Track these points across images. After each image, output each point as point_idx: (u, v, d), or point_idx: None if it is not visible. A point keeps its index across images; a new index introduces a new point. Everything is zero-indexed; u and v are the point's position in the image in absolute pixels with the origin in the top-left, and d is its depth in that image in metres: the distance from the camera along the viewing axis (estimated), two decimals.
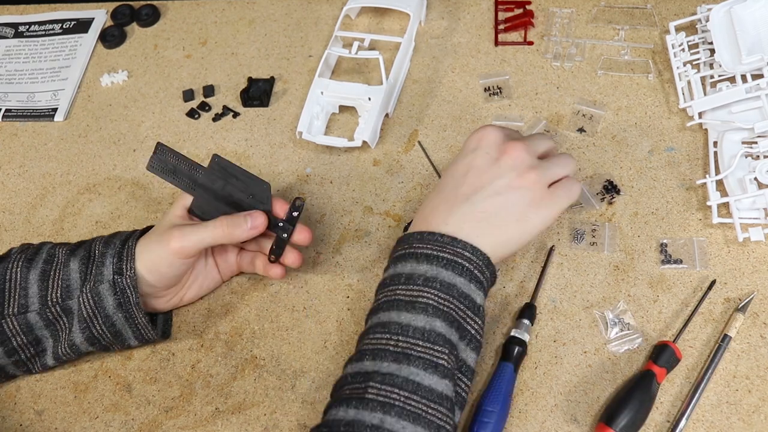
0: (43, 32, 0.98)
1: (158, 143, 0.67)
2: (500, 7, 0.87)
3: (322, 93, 0.80)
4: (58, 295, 0.62)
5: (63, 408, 0.66)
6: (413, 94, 0.83)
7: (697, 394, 0.59)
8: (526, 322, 0.64)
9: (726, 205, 0.68)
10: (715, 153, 0.71)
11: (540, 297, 0.67)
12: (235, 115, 0.85)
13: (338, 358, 0.66)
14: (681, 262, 0.67)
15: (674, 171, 0.72)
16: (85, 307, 0.61)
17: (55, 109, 0.89)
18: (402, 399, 0.50)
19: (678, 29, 0.80)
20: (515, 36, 0.85)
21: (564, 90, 0.80)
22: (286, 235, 0.65)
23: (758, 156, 0.68)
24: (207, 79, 0.88)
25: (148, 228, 0.67)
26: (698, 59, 0.77)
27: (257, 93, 0.85)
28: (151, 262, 0.62)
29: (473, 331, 0.55)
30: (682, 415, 0.59)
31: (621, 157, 0.74)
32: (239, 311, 0.70)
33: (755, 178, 0.67)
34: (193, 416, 0.65)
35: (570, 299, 0.66)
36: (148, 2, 0.97)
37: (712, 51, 0.75)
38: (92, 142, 0.85)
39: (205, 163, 0.67)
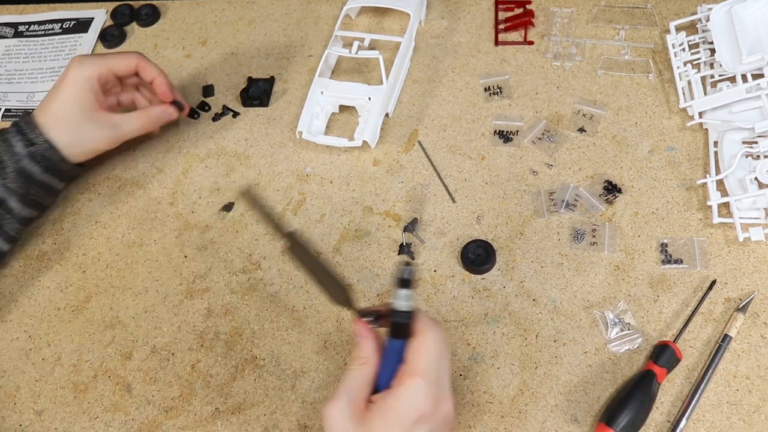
0: (43, 32, 0.97)
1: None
2: (500, 6, 0.87)
3: (322, 93, 0.79)
4: None
5: (63, 408, 0.66)
6: (413, 93, 0.83)
7: (697, 394, 0.59)
8: (403, 291, 0.52)
9: (726, 205, 0.68)
10: (716, 153, 0.71)
11: (540, 297, 0.67)
12: (235, 114, 0.85)
13: (338, 358, 0.66)
14: (681, 262, 0.67)
15: (674, 171, 0.72)
16: (16, 187, 0.68)
17: None
18: None
19: (678, 29, 0.80)
20: (515, 36, 0.85)
21: (564, 90, 0.80)
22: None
23: (758, 156, 0.68)
24: (207, 78, 0.88)
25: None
26: (698, 59, 0.77)
27: (257, 93, 0.85)
28: (54, 112, 0.70)
29: None
30: (683, 415, 0.59)
31: (621, 157, 0.74)
32: (239, 311, 0.70)
33: (755, 178, 0.67)
34: (193, 416, 0.65)
35: (570, 299, 0.66)
36: (148, 2, 0.97)
37: (713, 51, 0.75)
38: None
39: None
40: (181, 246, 0.75)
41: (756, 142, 0.69)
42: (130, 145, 0.84)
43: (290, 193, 0.77)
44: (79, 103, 0.70)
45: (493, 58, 0.84)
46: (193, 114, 0.85)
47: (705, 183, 0.70)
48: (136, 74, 0.77)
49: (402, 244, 0.72)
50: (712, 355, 0.61)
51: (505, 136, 0.77)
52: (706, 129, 0.74)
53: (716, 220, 0.67)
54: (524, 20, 0.85)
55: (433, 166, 0.77)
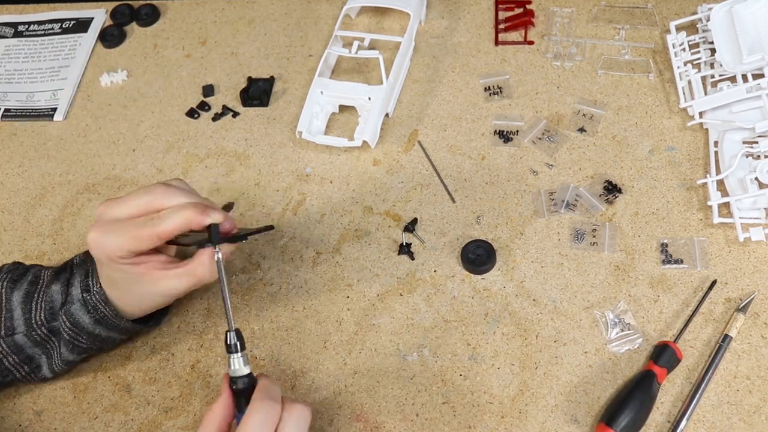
0: (43, 32, 0.97)
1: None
2: (500, 6, 0.87)
3: (322, 92, 0.79)
4: (42, 317, 0.61)
5: (62, 408, 0.66)
6: (413, 93, 0.83)
7: (697, 395, 0.59)
8: (237, 356, 0.52)
9: (727, 205, 0.68)
10: (716, 153, 0.71)
11: (540, 297, 0.67)
12: (235, 114, 0.85)
13: (338, 358, 0.66)
14: (682, 262, 0.67)
15: (675, 171, 0.72)
16: (65, 329, 0.61)
17: (54, 109, 0.89)
18: None
19: (678, 29, 0.80)
20: (515, 35, 0.85)
21: (564, 90, 0.80)
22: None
23: (759, 156, 0.68)
24: (207, 78, 0.88)
25: None
26: (699, 59, 0.77)
27: (257, 92, 0.85)
28: (102, 275, 0.60)
29: None
30: (683, 415, 0.59)
31: (621, 157, 0.74)
32: (239, 311, 0.70)
33: (756, 178, 0.67)
34: (193, 416, 0.64)
35: (570, 299, 0.66)
36: (148, 2, 0.97)
37: (713, 50, 0.75)
38: (91, 141, 0.85)
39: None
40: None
41: (756, 142, 0.69)
42: (129, 145, 0.84)
43: (290, 193, 0.77)
44: (117, 276, 0.59)
45: (493, 57, 0.84)
46: (193, 114, 0.85)
47: (705, 183, 0.69)
48: None
49: (402, 244, 0.71)
50: (712, 356, 0.61)
51: (505, 136, 0.77)
52: (707, 129, 0.74)
53: (716, 220, 0.67)
54: (524, 20, 0.85)
55: (433, 166, 0.77)
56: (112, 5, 0.97)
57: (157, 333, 0.69)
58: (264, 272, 0.72)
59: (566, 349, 0.64)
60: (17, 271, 0.65)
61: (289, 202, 0.76)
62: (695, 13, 0.79)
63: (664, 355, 0.60)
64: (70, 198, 0.81)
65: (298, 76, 0.87)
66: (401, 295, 0.69)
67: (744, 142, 0.70)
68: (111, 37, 0.94)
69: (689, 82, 0.75)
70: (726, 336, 0.61)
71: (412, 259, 0.71)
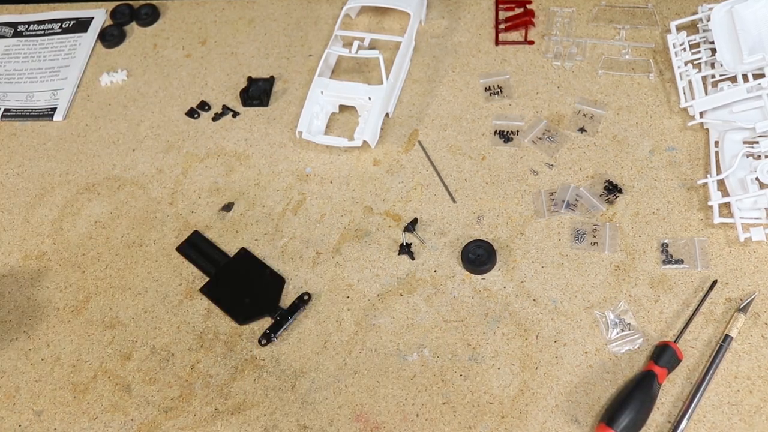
0: (43, 32, 0.97)
1: (195, 231, 0.71)
2: (501, 6, 0.87)
3: (322, 92, 0.79)
4: None
5: (62, 408, 0.66)
6: (413, 93, 0.83)
7: (698, 395, 0.59)
8: None
9: (727, 205, 0.68)
10: (717, 153, 0.71)
11: (541, 297, 0.67)
12: (235, 114, 0.85)
13: (338, 358, 0.66)
14: (682, 262, 0.67)
15: (675, 171, 0.72)
16: None
17: (54, 109, 0.88)
18: None
19: (679, 28, 0.80)
20: (516, 35, 0.85)
21: (565, 89, 0.80)
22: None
23: (759, 156, 0.68)
24: (206, 78, 0.88)
25: None
26: (699, 59, 0.77)
27: (257, 92, 0.85)
28: None
29: None
30: (684, 415, 0.59)
31: (622, 157, 0.74)
32: None
33: (756, 178, 0.67)
34: (193, 417, 0.64)
35: (570, 299, 0.66)
36: (148, 2, 0.97)
37: (713, 50, 0.75)
38: (91, 141, 0.85)
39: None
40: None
41: (757, 142, 0.69)
42: (129, 144, 0.84)
43: (290, 193, 0.77)
44: None
45: (493, 57, 0.84)
46: (193, 114, 0.85)
47: (706, 183, 0.69)
48: None
49: (402, 244, 0.71)
50: (712, 356, 0.61)
51: (505, 136, 0.77)
52: (707, 129, 0.74)
53: (717, 220, 0.67)
54: (525, 20, 0.85)
55: (434, 166, 0.77)
56: (111, 5, 0.97)
57: (157, 333, 0.69)
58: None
59: (566, 349, 0.64)
60: None
61: (289, 202, 0.76)
62: (696, 13, 0.79)
63: (664, 355, 0.60)
64: (69, 198, 0.81)
65: (298, 76, 0.86)
66: (401, 295, 0.69)
67: (744, 142, 0.70)
68: (111, 36, 0.94)
69: (690, 82, 0.75)
70: (726, 336, 0.61)
71: (412, 259, 0.71)
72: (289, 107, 0.84)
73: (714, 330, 0.63)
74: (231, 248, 0.74)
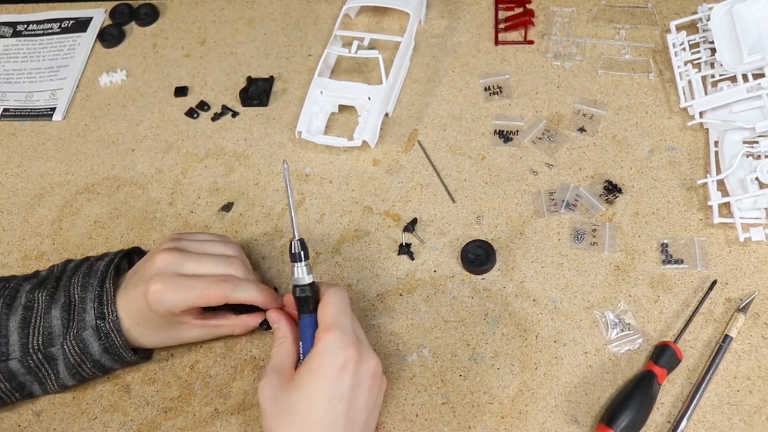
0: (42, 31, 0.97)
1: None
2: (500, 6, 0.87)
3: (321, 92, 0.79)
4: (40, 342, 0.60)
5: (61, 409, 0.66)
6: (413, 93, 0.83)
7: (698, 395, 0.59)
8: (298, 265, 0.57)
9: (727, 205, 0.68)
10: (716, 153, 0.71)
11: (540, 297, 0.67)
12: (234, 114, 0.85)
13: None
14: (682, 262, 0.67)
15: (675, 171, 0.72)
16: (71, 353, 0.60)
17: (53, 109, 0.88)
18: None
19: (679, 28, 0.80)
20: (515, 35, 0.85)
21: (564, 89, 0.80)
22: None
23: (759, 156, 0.68)
24: (206, 78, 0.88)
25: (123, 256, 0.66)
26: (699, 58, 0.77)
27: (256, 92, 0.85)
28: (131, 309, 0.60)
29: None
30: (683, 415, 0.59)
31: (622, 157, 0.74)
32: None
33: (756, 178, 0.67)
34: (192, 417, 0.64)
35: (570, 299, 0.66)
36: (147, 1, 0.97)
37: (713, 50, 0.75)
38: (91, 141, 0.85)
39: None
40: None
41: (757, 142, 0.69)
42: (129, 144, 0.84)
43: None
44: (163, 323, 0.61)
45: (493, 57, 0.84)
46: (192, 113, 0.85)
47: (705, 183, 0.69)
48: None
49: (402, 244, 0.71)
50: (712, 356, 0.61)
51: (505, 136, 0.77)
52: (707, 129, 0.74)
53: (717, 220, 0.67)
54: (524, 20, 0.85)
55: (433, 166, 0.77)
56: (111, 5, 0.97)
57: None
58: (264, 272, 0.72)
59: (566, 349, 0.64)
60: (6, 293, 0.63)
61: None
62: (695, 12, 0.79)
63: (664, 355, 0.60)
64: (69, 198, 0.80)
65: (298, 76, 0.86)
66: (401, 295, 0.69)
67: (744, 142, 0.70)
68: (110, 36, 0.94)
69: (689, 81, 0.75)
70: (726, 336, 0.61)
71: (412, 259, 0.71)
72: (289, 107, 0.84)
73: (714, 330, 0.63)
74: None
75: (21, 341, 0.60)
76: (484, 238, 0.70)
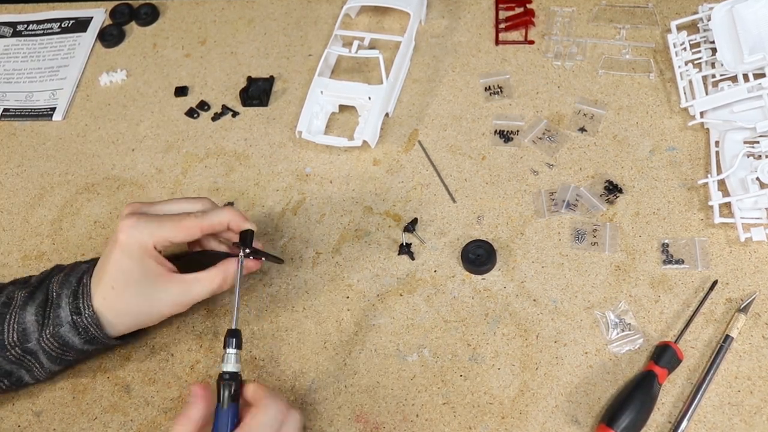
0: (42, 31, 0.97)
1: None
2: (501, 6, 0.87)
3: (321, 92, 0.79)
4: (15, 338, 0.60)
5: (61, 409, 0.66)
6: (413, 93, 0.82)
7: (698, 395, 0.59)
8: (232, 351, 0.56)
9: (728, 205, 0.68)
10: (717, 153, 0.71)
11: (541, 297, 0.67)
12: (235, 114, 0.85)
13: (338, 358, 0.66)
14: (682, 262, 0.66)
15: (676, 171, 0.72)
16: (50, 348, 0.60)
17: (53, 109, 0.88)
18: None
19: (679, 28, 0.79)
20: (516, 35, 0.85)
21: (565, 89, 0.80)
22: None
23: (760, 156, 0.68)
24: (206, 78, 0.88)
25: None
26: (700, 58, 0.77)
27: (256, 92, 0.85)
28: (104, 270, 0.59)
29: None
30: (684, 416, 0.59)
31: (622, 157, 0.74)
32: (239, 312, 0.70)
33: (757, 178, 0.67)
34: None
35: (571, 299, 0.66)
36: (147, 1, 0.97)
37: (714, 50, 0.75)
38: (91, 141, 0.85)
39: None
40: (180, 246, 0.74)
41: (757, 142, 0.69)
42: (129, 144, 0.84)
43: (290, 193, 0.77)
44: (138, 274, 0.59)
45: (493, 57, 0.84)
46: (193, 113, 0.85)
47: (706, 183, 0.69)
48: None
49: (402, 244, 0.71)
50: (713, 356, 0.61)
51: (505, 136, 0.77)
52: (708, 129, 0.74)
53: (717, 220, 0.67)
54: (525, 19, 0.85)
55: (434, 166, 0.76)
56: (111, 5, 0.97)
57: (157, 333, 0.69)
58: (263, 272, 0.72)
59: (567, 349, 0.64)
60: None
61: (288, 202, 0.76)
62: (696, 12, 0.79)
63: (665, 355, 0.60)
64: (69, 198, 0.80)
65: (298, 76, 0.86)
66: (401, 295, 0.69)
67: (745, 142, 0.70)
68: (110, 36, 0.94)
69: (690, 81, 0.75)
70: (727, 336, 0.61)
71: (412, 259, 0.71)
72: (289, 107, 0.84)
73: (714, 330, 0.63)
74: None
75: None
76: (484, 238, 0.70)
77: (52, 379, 0.67)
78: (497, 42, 0.85)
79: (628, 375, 0.62)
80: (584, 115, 0.77)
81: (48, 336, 0.60)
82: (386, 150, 0.78)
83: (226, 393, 0.54)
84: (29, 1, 1.00)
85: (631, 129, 0.76)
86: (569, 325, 0.65)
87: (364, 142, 0.76)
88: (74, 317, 0.60)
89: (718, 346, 0.61)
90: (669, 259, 0.67)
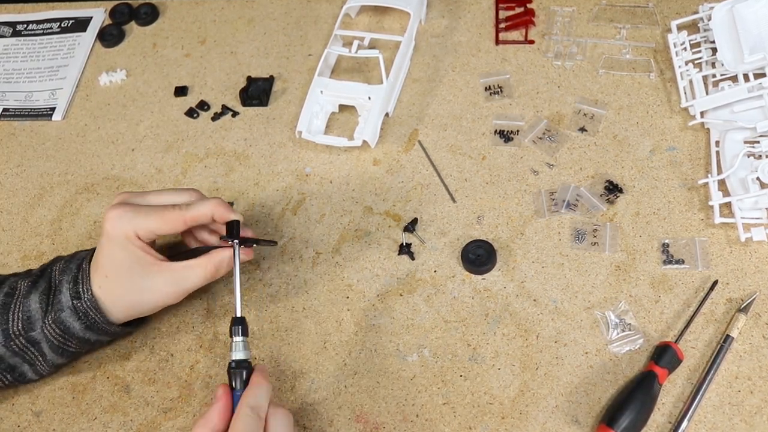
0: (41, 31, 0.97)
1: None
2: (501, 5, 0.87)
3: (321, 92, 0.79)
4: (20, 327, 0.60)
5: (61, 409, 0.66)
6: (413, 93, 0.82)
7: (699, 395, 0.59)
8: (239, 339, 0.57)
9: (728, 205, 0.68)
10: (717, 152, 0.71)
11: (541, 297, 0.67)
12: (234, 114, 0.84)
13: (338, 358, 0.66)
14: (683, 262, 0.66)
15: (676, 171, 0.72)
16: (53, 336, 0.61)
17: (53, 109, 0.88)
18: None
19: (680, 28, 0.79)
20: (516, 35, 0.85)
21: (565, 89, 0.80)
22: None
23: (760, 156, 0.68)
24: (206, 78, 0.88)
25: None
26: (700, 58, 0.77)
27: (256, 92, 0.85)
28: (98, 261, 0.60)
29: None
30: (684, 416, 0.58)
31: (622, 157, 0.74)
32: None
33: (757, 178, 0.66)
34: (192, 417, 0.64)
35: (571, 300, 0.66)
36: (147, 1, 0.97)
37: (714, 50, 0.75)
38: (90, 141, 0.85)
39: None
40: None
41: (758, 142, 0.69)
42: (128, 144, 0.84)
43: (290, 193, 0.77)
44: (128, 263, 0.60)
45: (493, 57, 0.84)
46: (192, 113, 0.85)
47: (706, 183, 0.69)
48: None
49: (402, 244, 0.71)
50: (713, 356, 0.61)
51: (505, 136, 0.77)
52: (708, 128, 0.74)
53: (718, 220, 0.67)
54: (525, 19, 0.85)
55: (434, 165, 0.76)
56: (111, 4, 0.97)
57: (156, 333, 0.69)
58: (263, 272, 0.72)
59: (567, 349, 0.64)
60: None
61: (288, 202, 0.76)
62: (696, 12, 0.79)
63: (665, 355, 0.60)
64: (68, 198, 0.80)
65: (298, 76, 0.86)
66: (401, 295, 0.69)
67: (745, 142, 0.70)
68: (110, 36, 0.94)
69: (690, 81, 0.75)
70: (727, 336, 0.61)
71: (412, 259, 0.70)
72: (289, 107, 0.84)
73: (715, 330, 0.63)
74: None
75: (2, 326, 0.61)
76: (484, 238, 0.70)
77: (52, 378, 0.67)
78: (497, 42, 0.85)
79: (628, 375, 0.62)
80: (584, 114, 0.77)
81: (50, 322, 0.60)
82: (386, 150, 0.78)
83: (238, 381, 0.55)
84: (29, 1, 1.00)
85: (632, 129, 0.76)
86: (569, 325, 0.65)
87: (364, 142, 0.76)
88: (74, 302, 0.60)
89: (719, 346, 0.61)
90: (669, 259, 0.67)
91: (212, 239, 0.66)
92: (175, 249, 0.66)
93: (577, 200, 0.71)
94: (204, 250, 0.63)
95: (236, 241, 0.61)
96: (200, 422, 0.53)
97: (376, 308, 0.68)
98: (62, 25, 0.97)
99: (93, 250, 0.63)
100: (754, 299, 0.63)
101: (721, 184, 0.69)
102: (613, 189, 0.72)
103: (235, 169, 0.80)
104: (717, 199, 0.67)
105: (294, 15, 0.92)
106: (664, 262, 0.67)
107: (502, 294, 0.67)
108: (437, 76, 0.83)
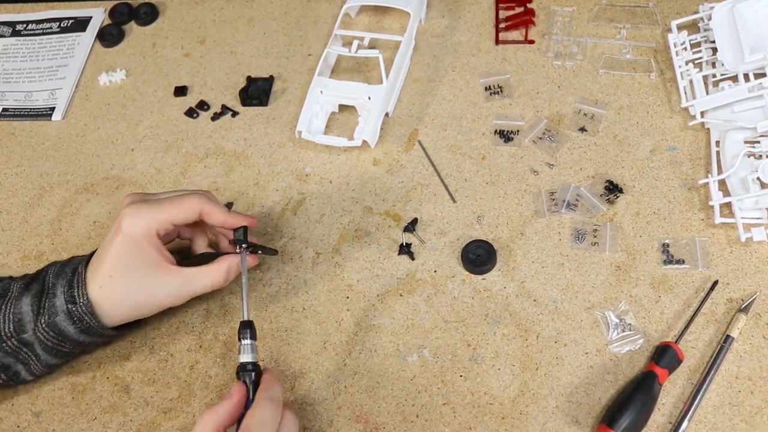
0: (41, 31, 0.97)
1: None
2: (501, 5, 0.87)
3: (321, 92, 0.79)
4: (11, 329, 0.60)
5: (61, 409, 0.66)
6: (413, 93, 0.82)
7: (699, 396, 0.59)
8: (247, 342, 0.57)
9: (728, 205, 0.68)
10: (718, 152, 0.71)
11: (541, 297, 0.66)
12: (234, 114, 0.84)
13: (338, 358, 0.66)
14: (683, 262, 0.66)
15: (676, 171, 0.72)
16: (46, 339, 0.60)
17: (52, 109, 0.88)
18: None
19: (680, 28, 0.79)
20: (516, 35, 0.85)
21: (565, 89, 0.79)
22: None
23: (761, 156, 0.68)
24: (206, 78, 0.88)
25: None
26: (700, 58, 0.77)
27: (256, 92, 0.84)
28: (103, 258, 0.60)
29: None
30: (684, 416, 0.58)
31: (622, 157, 0.74)
32: (238, 312, 0.70)
33: (758, 178, 0.66)
34: (192, 417, 0.64)
35: (571, 300, 0.66)
36: (147, 1, 0.97)
37: (715, 50, 0.75)
38: (90, 141, 0.85)
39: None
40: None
41: (758, 142, 0.69)
42: (128, 144, 0.84)
43: (290, 193, 0.77)
44: (138, 263, 0.59)
45: (493, 57, 0.84)
46: (192, 113, 0.85)
47: (707, 183, 0.69)
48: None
49: (402, 244, 0.71)
50: (714, 356, 0.61)
51: (505, 136, 0.77)
52: (708, 128, 0.74)
53: (718, 220, 0.67)
54: (525, 19, 0.85)
55: (434, 165, 0.76)
56: (110, 4, 0.97)
57: (156, 334, 0.69)
58: (263, 272, 0.72)
59: (567, 349, 0.64)
60: None
61: (288, 202, 0.76)
62: (697, 12, 0.79)
63: (665, 355, 0.60)
64: (68, 198, 0.80)
65: (298, 76, 0.86)
66: (401, 295, 0.68)
67: (746, 142, 0.70)
68: (110, 36, 0.93)
69: (690, 81, 0.75)
70: (728, 337, 0.61)
71: (412, 259, 0.70)
72: (289, 107, 0.84)
73: (715, 330, 0.63)
74: None
75: None
76: (484, 238, 0.70)
77: (51, 378, 0.67)
78: (497, 42, 0.85)
79: (628, 375, 0.62)
80: (584, 114, 0.77)
81: (43, 325, 0.60)
82: (386, 150, 0.78)
83: (247, 382, 0.56)
84: (28, 1, 1.00)
85: (632, 129, 0.75)
86: (569, 326, 0.65)
87: (364, 142, 0.76)
88: (69, 306, 0.60)
89: (719, 346, 0.61)
90: (669, 259, 0.67)
91: (210, 249, 0.67)
92: (181, 254, 0.66)
93: (577, 200, 0.71)
94: (210, 255, 0.64)
95: (245, 245, 0.62)
96: (209, 412, 0.53)
97: (376, 308, 0.68)
98: (62, 24, 0.97)
99: (89, 255, 0.63)
100: (754, 299, 0.63)
101: (722, 184, 0.69)
102: (613, 189, 0.71)
103: (234, 169, 0.80)
104: (717, 199, 0.67)
105: (294, 15, 0.92)
106: (665, 262, 0.67)
107: (502, 294, 0.67)
108: (437, 76, 0.83)
